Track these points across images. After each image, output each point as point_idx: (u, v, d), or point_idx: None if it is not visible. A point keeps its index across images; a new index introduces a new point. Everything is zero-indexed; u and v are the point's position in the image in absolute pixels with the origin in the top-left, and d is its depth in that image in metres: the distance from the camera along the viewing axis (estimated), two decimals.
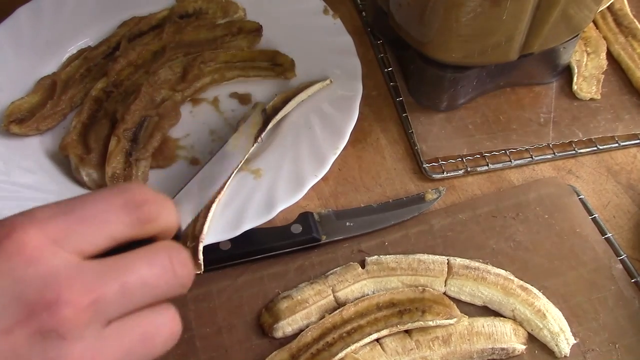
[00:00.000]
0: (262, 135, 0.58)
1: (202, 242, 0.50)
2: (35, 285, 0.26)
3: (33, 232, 0.27)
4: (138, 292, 0.28)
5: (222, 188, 0.50)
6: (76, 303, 0.26)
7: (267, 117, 0.59)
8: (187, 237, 0.51)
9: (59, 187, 0.57)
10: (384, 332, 0.49)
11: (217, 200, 0.53)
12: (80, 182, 0.57)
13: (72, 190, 0.57)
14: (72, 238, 0.27)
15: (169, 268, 0.29)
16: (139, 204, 0.29)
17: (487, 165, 0.61)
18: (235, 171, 0.53)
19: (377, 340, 0.49)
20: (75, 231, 0.28)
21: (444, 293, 0.52)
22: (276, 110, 0.59)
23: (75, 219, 0.28)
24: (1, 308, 0.26)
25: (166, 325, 0.30)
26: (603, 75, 0.67)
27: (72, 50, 0.67)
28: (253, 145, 0.55)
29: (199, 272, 0.49)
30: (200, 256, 0.49)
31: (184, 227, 0.37)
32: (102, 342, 0.27)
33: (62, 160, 0.59)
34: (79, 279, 0.27)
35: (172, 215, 0.31)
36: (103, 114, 0.60)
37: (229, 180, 0.52)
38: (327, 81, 0.62)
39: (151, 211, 0.30)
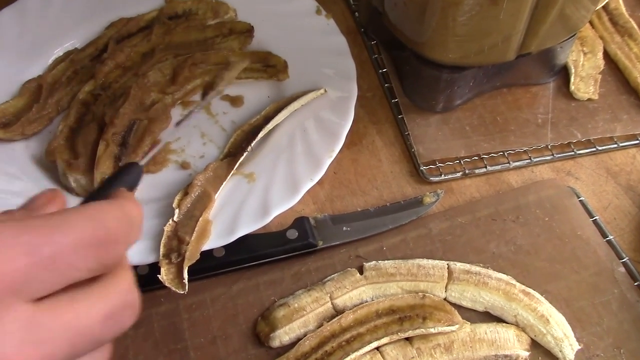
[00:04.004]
0: (252, 144, 0.56)
1: (188, 259, 0.48)
2: None
3: None
4: (88, 345, 0.27)
5: None
6: None
7: (259, 125, 0.58)
8: (173, 250, 0.49)
9: None
10: (384, 340, 0.47)
11: (204, 213, 0.51)
12: (67, 188, 0.55)
13: None
14: (32, 285, 0.25)
15: (118, 318, 0.28)
16: (106, 242, 0.27)
17: (486, 167, 0.60)
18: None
19: (377, 348, 0.48)
20: (36, 278, 0.25)
21: (445, 299, 0.51)
22: (268, 119, 0.58)
23: (39, 259, 0.25)
24: None
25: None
26: (600, 75, 0.66)
27: (58, 52, 0.65)
28: None
29: (182, 292, 0.48)
30: (185, 275, 0.48)
31: None
32: None
33: (49, 166, 0.57)
34: (29, 340, 0.24)
35: (134, 240, 0.29)
36: (91, 118, 0.59)
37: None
38: (322, 90, 0.61)
39: (117, 252, 0.28)
